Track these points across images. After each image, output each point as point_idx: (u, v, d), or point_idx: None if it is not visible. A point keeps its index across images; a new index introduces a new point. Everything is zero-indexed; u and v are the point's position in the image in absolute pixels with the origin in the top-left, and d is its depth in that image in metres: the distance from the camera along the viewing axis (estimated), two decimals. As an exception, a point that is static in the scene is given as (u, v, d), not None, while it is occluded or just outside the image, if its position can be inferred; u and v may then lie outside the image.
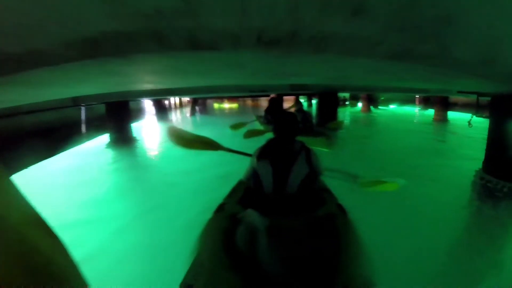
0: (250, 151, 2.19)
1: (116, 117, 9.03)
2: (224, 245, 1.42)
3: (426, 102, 22.71)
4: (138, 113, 16.51)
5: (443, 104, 14.40)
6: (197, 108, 22.31)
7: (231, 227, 1.55)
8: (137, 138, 9.77)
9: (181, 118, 19.90)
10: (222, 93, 7.71)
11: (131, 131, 9.62)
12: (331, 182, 2.27)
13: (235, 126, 6.16)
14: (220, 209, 1.79)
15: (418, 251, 2.99)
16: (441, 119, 14.21)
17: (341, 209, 1.77)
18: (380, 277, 1.29)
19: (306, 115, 6.40)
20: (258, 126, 7.46)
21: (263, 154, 1.94)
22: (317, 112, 9.82)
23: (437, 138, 9.97)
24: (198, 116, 19.97)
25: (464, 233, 3.71)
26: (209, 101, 29.74)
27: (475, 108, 5.38)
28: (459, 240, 3.49)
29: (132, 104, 15.48)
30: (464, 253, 3.12)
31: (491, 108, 4.98)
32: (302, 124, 5.84)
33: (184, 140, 2.76)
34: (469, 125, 5.74)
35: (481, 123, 5.72)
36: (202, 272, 1.30)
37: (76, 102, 7.61)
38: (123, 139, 9.06)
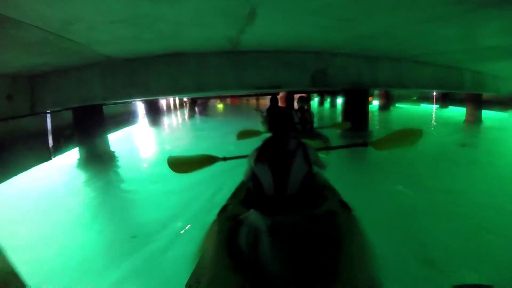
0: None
1: (86, 126, 6.96)
2: (227, 246, 1.45)
3: (444, 99, 21.05)
4: (126, 117, 14.52)
5: (476, 102, 12.33)
6: (196, 109, 20.20)
7: (234, 228, 1.56)
8: (114, 152, 7.66)
9: (178, 122, 17.80)
10: (226, 91, 6.11)
11: (106, 144, 7.50)
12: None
13: (242, 135, 4.99)
14: (223, 210, 1.86)
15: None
16: (474, 120, 12.20)
17: (344, 206, 1.80)
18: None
19: (306, 114, 5.65)
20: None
21: (260, 155, 1.89)
22: (343, 113, 7.83)
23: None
24: (198, 119, 17.84)
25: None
26: (211, 101, 27.68)
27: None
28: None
29: (119, 107, 13.62)
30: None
31: None
32: (301, 124, 5.42)
33: (184, 166, 2.79)
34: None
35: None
36: (205, 274, 1.31)
37: (35, 109, 5.76)
38: (95, 155, 6.99)
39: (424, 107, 21.88)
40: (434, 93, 21.24)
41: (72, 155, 7.52)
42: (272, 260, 1.32)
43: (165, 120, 16.90)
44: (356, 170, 5.63)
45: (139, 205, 4.52)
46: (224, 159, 2.80)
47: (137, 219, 4.00)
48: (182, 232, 3.34)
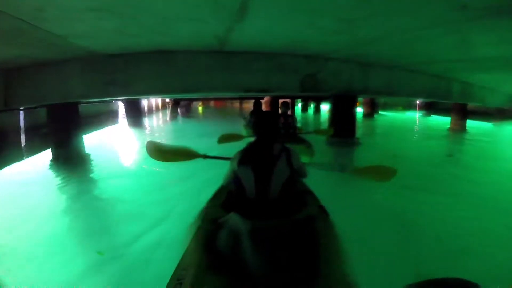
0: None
1: (60, 126, 6.48)
2: (208, 247, 1.47)
3: (429, 107, 21.53)
4: (105, 117, 13.95)
5: (461, 111, 12.59)
6: (179, 110, 19.69)
7: (214, 230, 1.57)
8: (89, 155, 7.14)
9: (160, 123, 17.27)
10: (214, 93, 5.85)
11: (81, 145, 6.99)
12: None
13: (223, 138, 4.94)
14: (203, 213, 1.84)
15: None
16: (459, 129, 12.44)
17: (323, 211, 1.87)
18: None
19: (289, 119, 5.71)
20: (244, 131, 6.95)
21: (244, 157, 1.87)
22: (330, 119, 7.66)
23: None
24: (180, 120, 17.36)
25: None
26: (194, 102, 27.11)
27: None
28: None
29: (98, 107, 13.02)
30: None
31: None
32: (284, 129, 5.43)
33: (163, 154, 2.77)
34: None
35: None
36: (187, 275, 1.32)
37: (8, 104, 5.32)
38: (69, 157, 6.51)
39: (408, 114, 22.23)
40: (418, 101, 21.66)
41: (45, 156, 7.01)
42: (253, 262, 1.34)
43: (146, 121, 16.34)
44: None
45: (112, 215, 4.10)
46: (204, 156, 2.77)
47: (108, 231, 3.52)
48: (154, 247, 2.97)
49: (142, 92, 5.45)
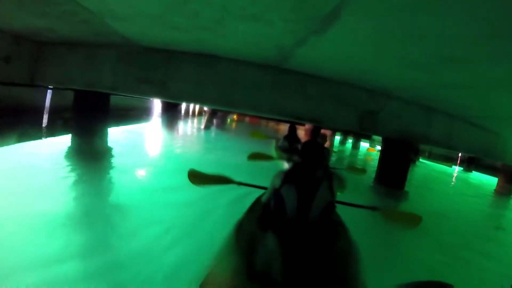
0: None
1: (86, 113, 5.99)
2: (244, 260, 1.51)
3: (470, 163, 19.97)
4: (138, 112, 13.63)
5: (510, 173, 11.60)
6: (215, 121, 19.17)
7: (251, 245, 1.62)
8: (111, 149, 6.66)
9: (193, 130, 16.80)
10: (256, 113, 5.22)
11: (104, 138, 6.52)
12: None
13: (253, 156, 5.06)
14: (239, 226, 1.92)
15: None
16: (505, 192, 11.55)
17: (353, 245, 1.93)
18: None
19: (324, 151, 4.43)
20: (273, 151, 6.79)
21: (288, 177, 1.91)
22: (380, 164, 6.72)
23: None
24: (213, 132, 16.79)
25: None
26: (230, 114, 26.65)
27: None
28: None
29: (132, 100, 12.66)
30: None
31: None
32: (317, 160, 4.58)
33: (202, 179, 2.95)
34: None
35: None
36: (220, 282, 1.38)
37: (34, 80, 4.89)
38: (88, 148, 5.98)
39: (447, 167, 20.67)
40: (460, 155, 20.17)
41: (65, 141, 6.52)
42: (283, 282, 1.43)
43: (180, 125, 15.93)
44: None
45: (125, 221, 3.52)
46: (239, 183, 2.88)
47: (120, 239, 3.07)
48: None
49: (178, 96, 4.77)
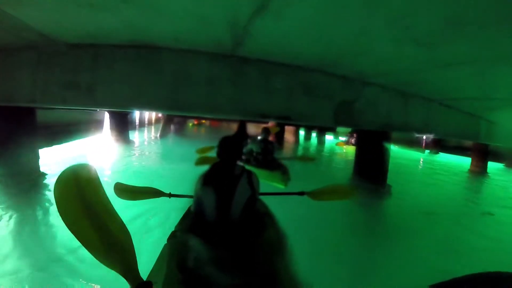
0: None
1: (9, 133, 4.87)
2: (178, 265, 1.55)
3: (436, 145, 20.54)
4: (85, 127, 12.23)
5: (482, 152, 12.21)
6: (172, 127, 17.91)
7: (183, 252, 1.63)
8: (44, 175, 5.62)
9: (150, 138, 15.52)
10: (213, 115, 4.36)
11: (34, 161, 5.32)
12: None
13: (201, 161, 4.96)
14: (172, 236, 1.94)
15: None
16: (480, 171, 12.07)
17: (282, 234, 1.91)
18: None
19: (268, 145, 5.78)
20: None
21: (206, 180, 1.90)
22: (357, 160, 6.22)
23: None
24: (171, 139, 15.61)
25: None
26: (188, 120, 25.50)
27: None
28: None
29: (76, 114, 11.26)
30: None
31: None
32: (262, 155, 5.58)
33: (131, 193, 2.83)
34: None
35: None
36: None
37: None
38: (12, 175, 4.84)
39: (412, 151, 21.11)
40: (425, 138, 20.65)
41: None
42: (217, 282, 1.43)
43: (136, 135, 14.60)
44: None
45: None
46: (170, 195, 2.84)
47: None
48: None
49: (110, 103, 3.74)
